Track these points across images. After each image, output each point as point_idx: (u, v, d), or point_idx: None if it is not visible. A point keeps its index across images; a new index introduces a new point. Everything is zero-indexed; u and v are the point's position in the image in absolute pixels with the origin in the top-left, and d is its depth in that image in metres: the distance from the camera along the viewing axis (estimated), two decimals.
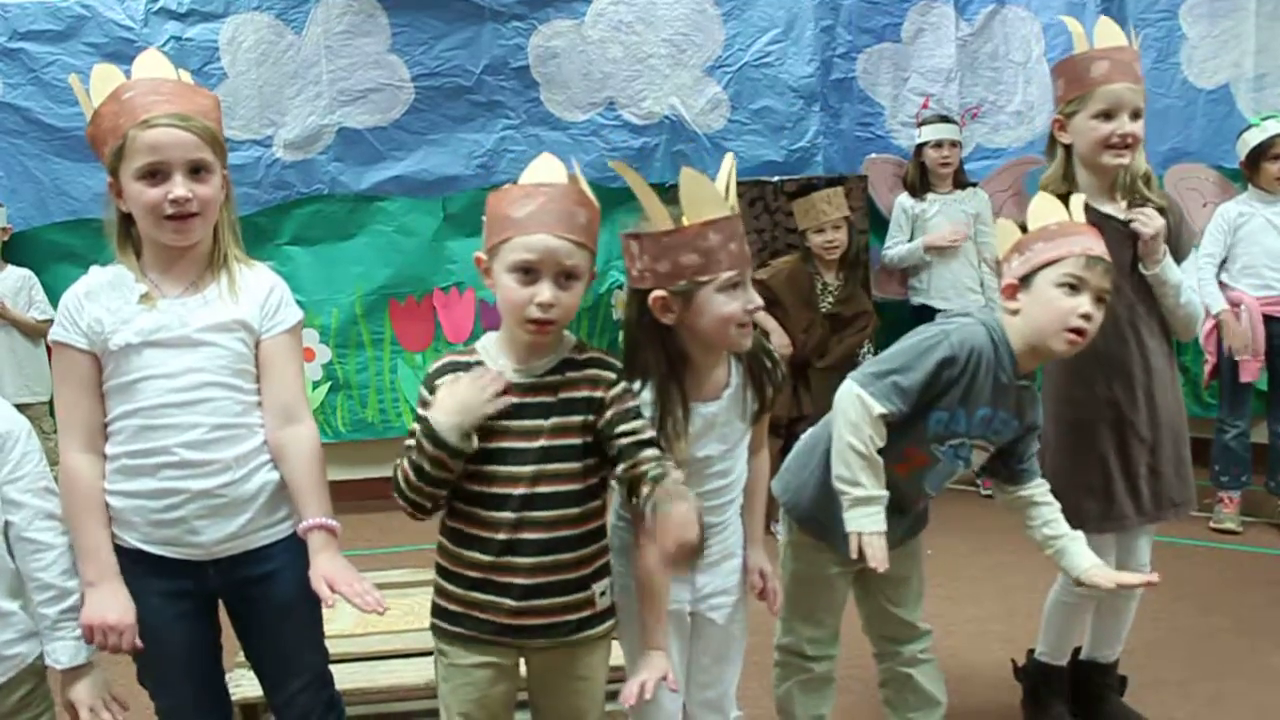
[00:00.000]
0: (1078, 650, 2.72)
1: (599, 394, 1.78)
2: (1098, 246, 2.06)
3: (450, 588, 1.84)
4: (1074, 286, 2.01)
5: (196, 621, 1.90)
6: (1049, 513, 2.17)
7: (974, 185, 4.81)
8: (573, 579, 1.82)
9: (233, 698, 2.16)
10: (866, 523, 1.97)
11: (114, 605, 1.79)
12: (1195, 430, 4.80)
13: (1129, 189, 2.41)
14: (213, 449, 1.82)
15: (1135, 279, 2.42)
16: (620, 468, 1.76)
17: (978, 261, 4.69)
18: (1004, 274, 2.13)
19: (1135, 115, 2.36)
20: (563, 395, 1.78)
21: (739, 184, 1.95)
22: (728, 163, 1.89)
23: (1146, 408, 2.45)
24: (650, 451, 1.74)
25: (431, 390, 1.76)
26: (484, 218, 1.78)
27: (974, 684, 2.94)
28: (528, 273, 1.71)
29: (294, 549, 1.89)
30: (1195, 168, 4.64)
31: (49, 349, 4.68)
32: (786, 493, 2.24)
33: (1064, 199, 2.43)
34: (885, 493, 1.99)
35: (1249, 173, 4.12)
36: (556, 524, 1.79)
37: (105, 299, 1.82)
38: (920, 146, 4.72)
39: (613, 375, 1.80)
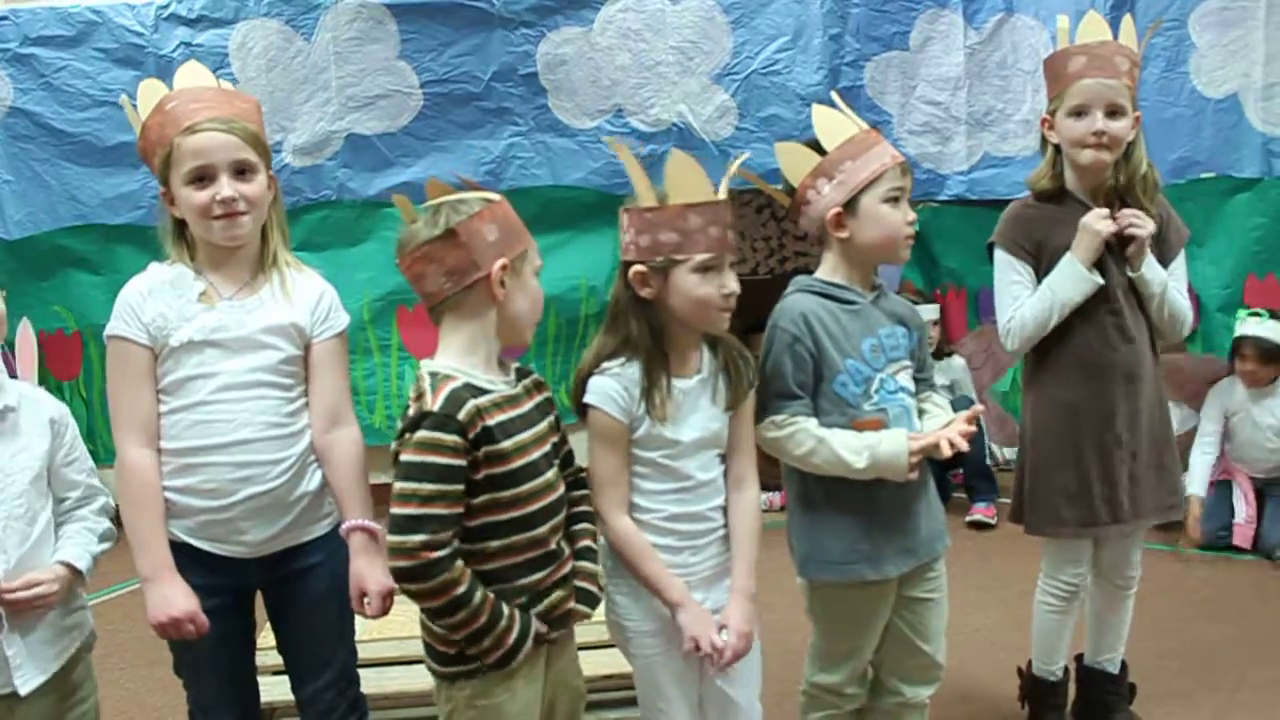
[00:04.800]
0: (1082, 656, 2.71)
1: (548, 394, 1.88)
2: (892, 148, 2.05)
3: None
4: (897, 199, 2.02)
5: (230, 616, 1.95)
6: (928, 418, 2.14)
7: (949, 355, 4.92)
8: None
9: None
10: (900, 450, 1.97)
11: (176, 599, 1.84)
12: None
13: (1123, 189, 2.37)
14: (264, 450, 1.87)
15: (1122, 282, 2.41)
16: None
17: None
18: (811, 202, 2.06)
19: (1112, 112, 2.32)
20: (535, 400, 1.84)
21: (746, 192, 1.98)
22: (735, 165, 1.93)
23: (1128, 414, 2.43)
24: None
25: (459, 431, 1.65)
26: (487, 225, 1.72)
27: (982, 694, 2.93)
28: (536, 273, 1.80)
29: (335, 543, 1.95)
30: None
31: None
32: (801, 556, 2.14)
33: (1052, 197, 2.43)
34: (875, 433, 2.00)
35: (1231, 363, 4.25)
36: (572, 518, 1.87)
37: (167, 296, 1.89)
38: None
39: (543, 378, 1.89)
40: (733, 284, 1.86)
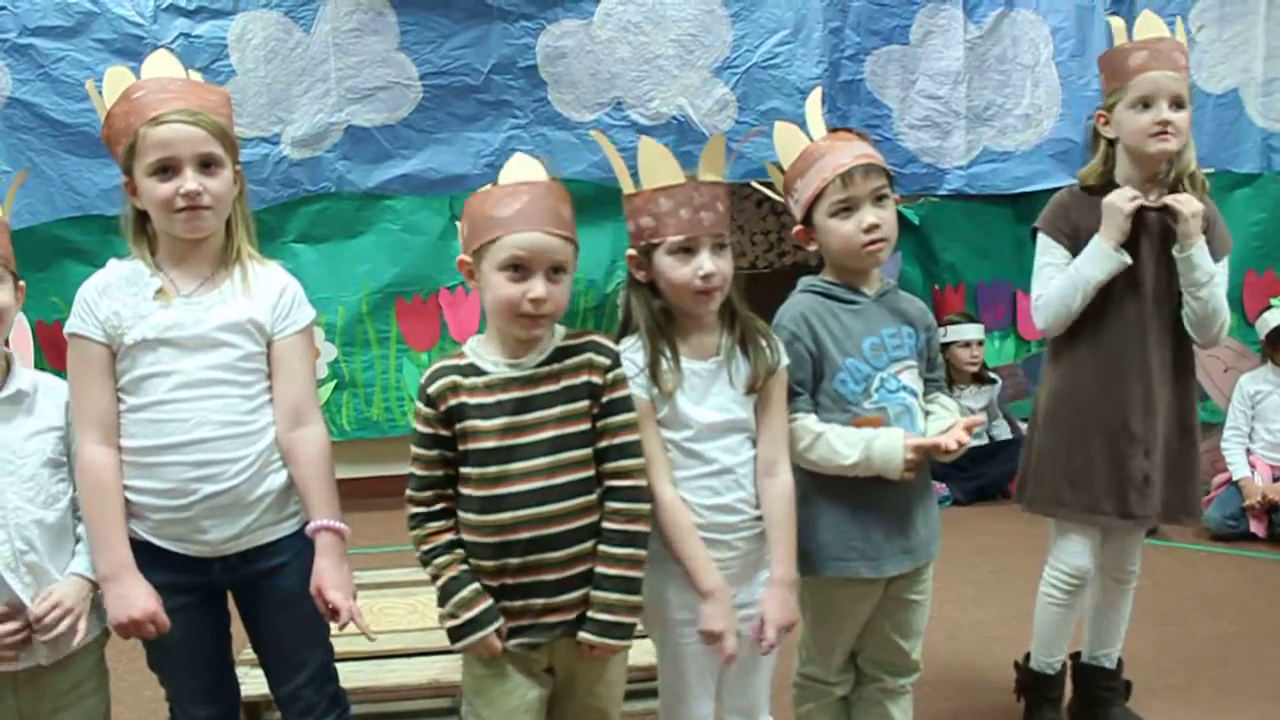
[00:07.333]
0: (1078, 654, 2.71)
1: (597, 379, 1.81)
2: (846, 153, 2.01)
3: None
4: (848, 209, 1.99)
5: (198, 614, 1.91)
6: (934, 420, 2.10)
7: (992, 381, 5.02)
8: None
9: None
10: (895, 448, 1.95)
11: (136, 599, 1.81)
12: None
13: (1172, 185, 2.39)
14: (222, 449, 1.84)
15: (1157, 277, 2.40)
16: (604, 466, 1.81)
17: None
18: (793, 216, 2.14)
19: (1176, 103, 2.36)
20: (565, 383, 1.80)
21: (744, 185, 1.97)
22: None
23: (1144, 410, 2.42)
24: (629, 463, 1.81)
25: (429, 403, 1.78)
26: (461, 222, 1.81)
27: (978, 687, 2.93)
28: (518, 269, 1.73)
29: (302, 543, 1.91)
30: None
31: None
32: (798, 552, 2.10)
33: (1100, 191, 2.43)
34: (874, 429, 1.98)
35: (1269, 350, 4.47)
36: (581, 512, 1.79)
37: (121, 294, 1.85)
38: (947, 345, 4.83)
39: (608, 360, 1.82)
40: (709, 265, 1.83)
